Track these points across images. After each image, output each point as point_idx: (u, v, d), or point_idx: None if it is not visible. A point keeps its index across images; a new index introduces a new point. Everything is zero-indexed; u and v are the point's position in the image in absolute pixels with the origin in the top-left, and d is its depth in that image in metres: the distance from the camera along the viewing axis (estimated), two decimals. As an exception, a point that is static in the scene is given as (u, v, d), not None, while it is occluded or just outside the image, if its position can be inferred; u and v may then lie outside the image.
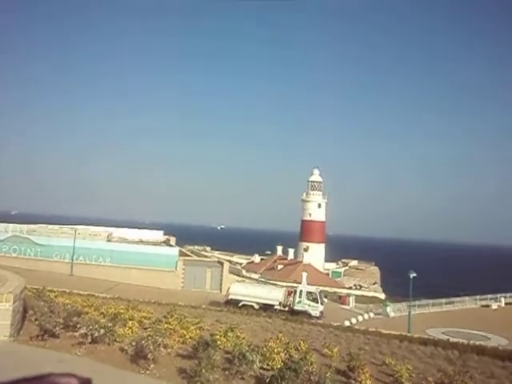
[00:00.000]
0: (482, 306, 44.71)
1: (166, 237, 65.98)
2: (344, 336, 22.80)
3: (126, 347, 11.58)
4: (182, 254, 49.48)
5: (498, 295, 46.78)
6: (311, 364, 12.85)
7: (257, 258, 72.82)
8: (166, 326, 14.34)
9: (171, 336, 13.07)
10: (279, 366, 11.79)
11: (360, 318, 36.60)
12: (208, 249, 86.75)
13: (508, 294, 47.53)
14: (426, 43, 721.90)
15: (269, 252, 77.94)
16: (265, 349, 13.49)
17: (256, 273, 59.89)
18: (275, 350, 13.31)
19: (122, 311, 16.93)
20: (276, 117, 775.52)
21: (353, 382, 12.13)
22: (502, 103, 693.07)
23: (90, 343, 11.54)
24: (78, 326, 11.86)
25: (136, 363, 10.96)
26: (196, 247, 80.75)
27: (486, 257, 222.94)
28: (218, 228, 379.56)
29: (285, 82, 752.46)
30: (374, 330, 27.44)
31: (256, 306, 33.31)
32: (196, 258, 50.55)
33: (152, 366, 10.78)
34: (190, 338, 13.87)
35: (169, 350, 11.44)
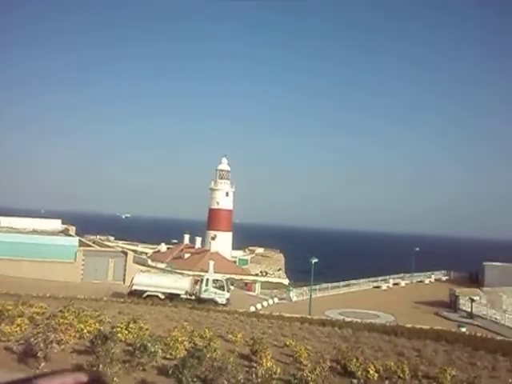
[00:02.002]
0: (374, 288, 48.81)
1: (65, 226, 61.69)
2: (249, 321, 23.33)
3: (13, 346, 10.60)
4: (82, 244, 46.65)
5: (388, 277, 51.41)
6: (215, 350, 12.94)
7: (163, 247, 71.36)
8: (61, 320, 13.38)
9: (67, 331, 12.23)
10: (182, 355, 11.69)
11: (265, 304, 37.76)
12: (111, 238, 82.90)
13: (395, 276, 52.46)
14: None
15: (175, 241, 76.85)
16: (168, 338, 13.28)
17: (162, 262, 58.72)
18: (179, 339, 13.17)
19: (9, 307, 15.45)
20: (184, 105, 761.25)
21: (254, 364, 12.46)
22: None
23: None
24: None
25: (24, 362, 10.10)
26: (98, 237, 76.71)
27: (380, 243, 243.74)
28: (123, 217, 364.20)
29: (197, 74, 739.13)
30: (277, 314, 28.48)
31: (162, 296, 32.67)
32: (98, 248, 48.01)
33: (43, 364, 10.01)
34: (88, 332, 13.15)
35: (62, 347, 10.70)
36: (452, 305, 37.97)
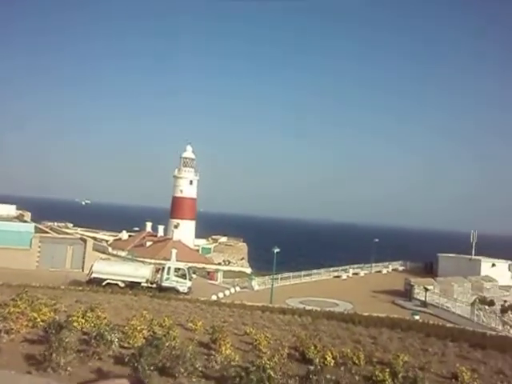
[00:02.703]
0: (335, 277, 49.94)
1: (20, 212, 59.24)
2: (210, 310, 23.32)
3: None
4: (38, 230, 44.98)
5: (348, 267, 52.70)
6: (174, 339, 12.82)
7: (124, 235, 69.95)
8: (12, 309, 12.85)
9: (18, 320, 11.77)
10: (140, 344, 11.51)
11: (227, 292, 37.84)
12: (70, 225, 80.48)
13: (355, 266, 53.88)
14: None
15: (137, 229, 75.52)
16: (127, 327, 13.05)
17: (123, 250, 57.60)
18: (138, 328, 12.96)
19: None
20: (149, 91, 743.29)
21: (213, 352, 12.45)
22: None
23: None
24: None
25: (-29, 353, 9.63)
26: (56, 223, 74.27)
27: (343, 233, 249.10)
28: (83, 203, 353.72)
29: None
30: (239, 302, 28.61)
31: (121, 285, 32.10)
32: (55, 234, 46.44)
33: (-9, 354, 9.58)
34: (42, 321, 12.69)
35: (12, 336, 10.28)
36: (407, 294, 39.40)
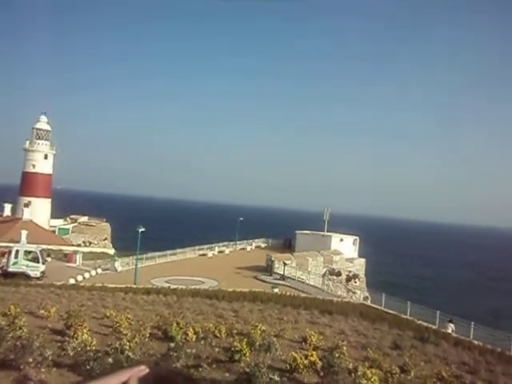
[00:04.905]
0: (201, 255, 50.58)
1: None
2: (67, 294, 21.77)
3: None
4: None
5: (213, 245, 53.83)
6: (20, 328, 11.61)
7: (-39, 216, 60.55)
8: None
9: None
10: (-23, 337, 10.14)
11: (87, 275, 35.61)
12: None
13: (221, 244, 55.32)
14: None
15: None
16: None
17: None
18: (-26, 319, 11.41)
19: None
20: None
21: (67, 338, 11.63)
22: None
23: None
24: None
25: None
26: None
27: (211, 213, 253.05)
28: None
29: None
30: (100, 285, 27.21)
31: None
32: None
33: None
34: None
35: None
36: (268, 269, 42.01)
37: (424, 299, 42.92)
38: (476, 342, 20.09)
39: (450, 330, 23.28)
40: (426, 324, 23.47)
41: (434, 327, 23.16)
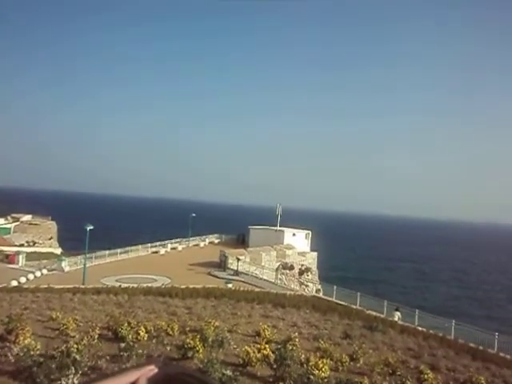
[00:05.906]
0: (153, 253, 49.59)
1: None
2: (8, 298, 20.64)
3: None
4: None
5: (166, 242, 52.94)
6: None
7: None
8: None
9: None
10: None
11: (31, 276, 33.91)
12: None
13: (173, 241, 54.51)
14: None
15: None
16: None
17: None
18: None
19: None
20: None
21: (8, 344, 11.02)
22: None
23: None
24: None
25: None
26: None
27: (160, 208, 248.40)
28: None
29: None
30: (45, 286, 26.03)
31: None
32: None
33: None
34: None
35: None
36: (222, 264, 41.92)
37: (375, 291, 44.56)
38: (420, 329, 21.13)
39: (396, 318, 24.34)
40: (374, 313, 24.36)
41: (382, 316, 24.10)
